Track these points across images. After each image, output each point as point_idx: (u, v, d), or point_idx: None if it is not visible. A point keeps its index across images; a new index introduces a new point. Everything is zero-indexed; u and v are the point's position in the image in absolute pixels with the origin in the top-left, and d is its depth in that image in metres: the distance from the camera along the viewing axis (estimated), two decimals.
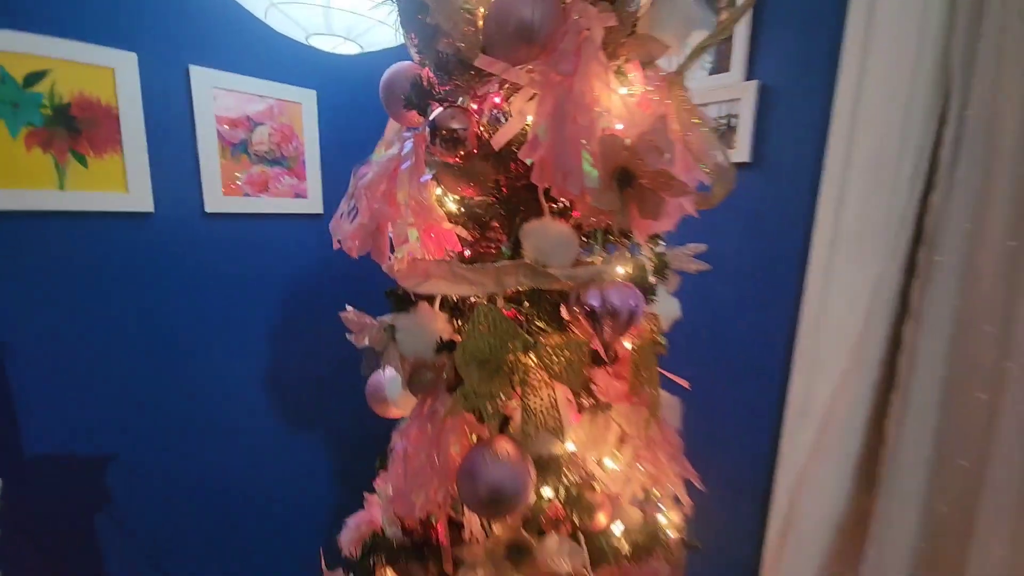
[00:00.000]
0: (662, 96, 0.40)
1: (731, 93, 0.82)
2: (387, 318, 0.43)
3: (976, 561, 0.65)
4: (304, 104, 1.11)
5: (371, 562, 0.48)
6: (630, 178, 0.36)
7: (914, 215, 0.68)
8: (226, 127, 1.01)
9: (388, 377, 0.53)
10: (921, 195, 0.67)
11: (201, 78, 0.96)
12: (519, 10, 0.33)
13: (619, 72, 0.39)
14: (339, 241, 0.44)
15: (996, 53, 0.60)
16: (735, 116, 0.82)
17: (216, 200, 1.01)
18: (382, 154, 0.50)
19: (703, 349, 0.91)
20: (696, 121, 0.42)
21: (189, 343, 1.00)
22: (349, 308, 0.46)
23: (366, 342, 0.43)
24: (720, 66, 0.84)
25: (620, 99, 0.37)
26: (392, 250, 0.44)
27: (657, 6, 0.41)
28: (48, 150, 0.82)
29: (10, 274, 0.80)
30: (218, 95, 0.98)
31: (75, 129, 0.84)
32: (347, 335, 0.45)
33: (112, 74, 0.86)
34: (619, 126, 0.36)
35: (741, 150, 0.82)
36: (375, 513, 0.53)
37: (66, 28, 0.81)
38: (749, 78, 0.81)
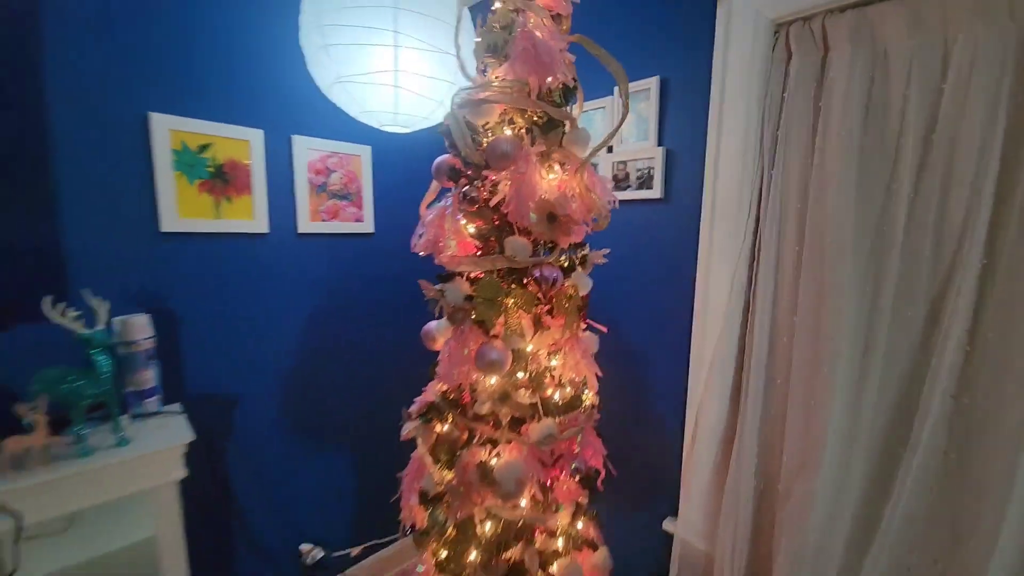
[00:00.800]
0: (571, 179, 0.83)
1: (649, 153, 1.26)
2: (439, 285, 0.87)
3: (789, 439, 1.04)
4: (362, 156, 1.57)
5: (429, 417, 0.91)
6: (555, 217, 0.80)
7: (753, 230, 1.10)
8: (313, 174, 1.47)
9: (435, 325, 0.96)
10: (755, 220, 1.10)
11: (299, 143, 1.42)
12: (502, 147, 0.78)
13: (551, 168, 0.83)
14: (415, 247, 0.88)
15: (784, 142, 1.03)
16: (652, 168, 1.26)
17: (305, 224, 1.46)
18: (431, 203, 0.95)
19: (639, 319, 1.33)
20: (594, 187, 0.86)
21: (290, 318, 1.45)
22: (421, 280, 0.89)
23: (431, 295, 0.87)
24: (644, 137, 1.28)
25: (548, 183, 0.80)
26: (440, 252, 0.87)
27: (570, 134, 0.85)
28: (210, 193, 1.29)
29: (189, 272, 1.26)
30: (310, 153, 1.45)
31: (226, 180, 1.30)
32: (423, 291, 0.88)
33: (248, 144, 1.33)
34: (547, 195, 0.80)
35: (656, 190, 1.25)
36: (428, 396, 0.96)
37: (224, 115, 1.28)
38: (659, 144, 1.24)
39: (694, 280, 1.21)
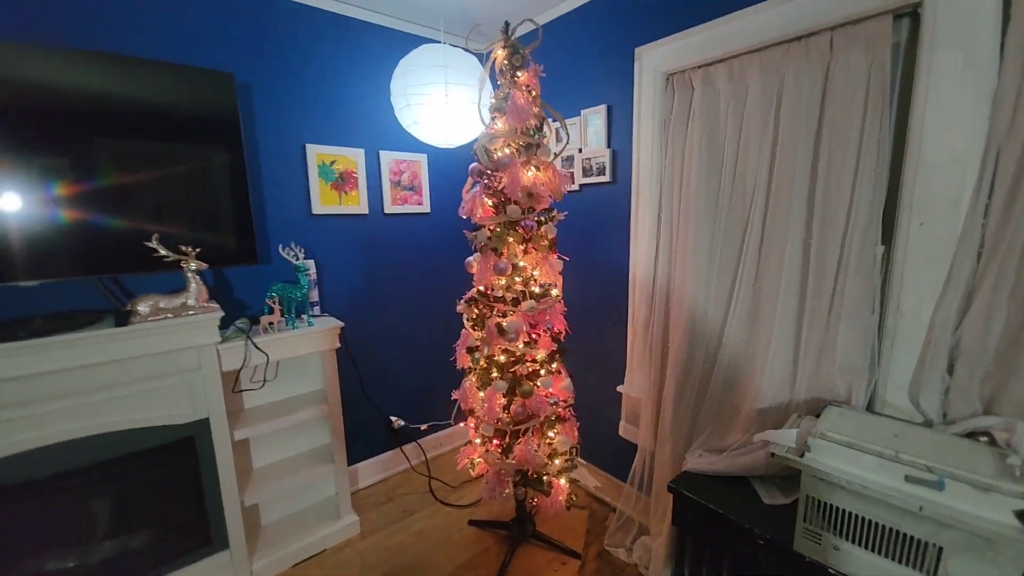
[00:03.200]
0: (544, 172, 1.60)
1: (603, 153, 1.99)
2: (474, 232, 1.66)
3: (673, 319, 1.77)
4: (421, 161, 2.39)
5: (470, 303, 1.71)
6: (531, 194, 1.57)
7: (658, 198, 1.82)
8: (392, 175, 2.30)
9: (471, 257, 1.76)
10: (659, 192, 1.81)
11: (384, 155, 2.25)
12: (503, 160, 1.55)
13: (529, 168, 1.59)
14: (460, 212, 1.67)
15: (671, 144, 1.74)
16: (605, 162, 1.99)
17: (388, 207, 2.30)
18: (469, 188, 1.74)
19: (601, 252, 2.09)
20: (554, 178, 1.62)
21: (382, 264, 2.30)
22: (466, 231, 1.68)
23: (470, 238, 1.66)
24: (600, 142, 2.01)
25: (528, 176, 1.57)
26: (474, 214, 1.67)
27: (540, 150, 1.61)
28: (336, 190, 2.14)
29: (327, 237, 2.12)
30: (389, 161, 2.28)
31: (344, 181, 2.15)
32: (465, 232, 1.68)
33: (356, 159, 2.17)
34: (527, 183, 1.57)
35: (607, 176, 1.99)
36: (469, 294, 1.76)
37: (342, 142, 2.12)
38: (608, 147, 1.98)
39: (629, 228, 1.94)
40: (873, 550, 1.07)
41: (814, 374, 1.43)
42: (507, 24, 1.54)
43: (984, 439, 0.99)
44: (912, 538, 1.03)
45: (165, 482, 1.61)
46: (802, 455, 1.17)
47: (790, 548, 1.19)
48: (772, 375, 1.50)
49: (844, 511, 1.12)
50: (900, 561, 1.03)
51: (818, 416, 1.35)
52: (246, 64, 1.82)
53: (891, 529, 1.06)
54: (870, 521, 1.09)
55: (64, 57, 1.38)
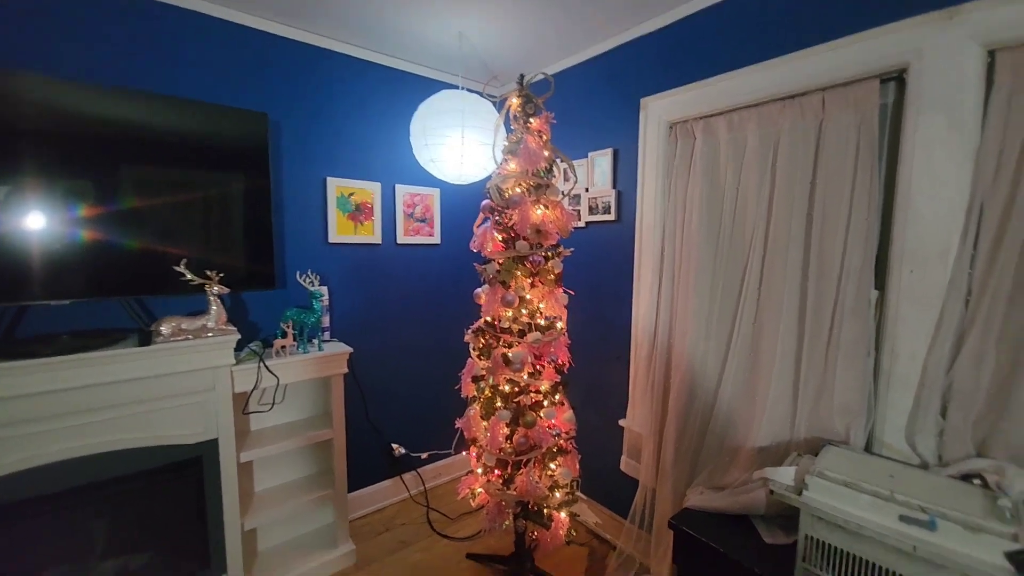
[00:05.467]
0: (552, 210, 1.69)
1: (609, 193, 2.09)
2: (484, 265, 1.73)
3: (674, 356, 1.81)
4: (434, 195, 2.50)
5: (476, 333, 1.76)
6: (539, 231, 1.65)
7: (661, 235, 1.90)
8: (405, 207, 2.40)
9: (480, 289, 1.82)
10: (662, 229, 1.89)
11: (399, 189, 2.36)
12: (514, 198, 1.64)
13: (538, 206, 1.68)
14: (472, 246, 1.75)
15: (673, 187, 1.83)
16: (611, 201, 2.09)
17: (401, 238, 2.39)
18: (480, 223, 1.83)
19: (606, 284, 2.15)
20: (561, 216, 1.70)
21: (393, 292, 2.37)
22: (476, 264, 1.76)
23: (480, 271, 1.73)
24: (606, 183, 2.11)
25: (536, 214, 1.66)
26: (484, 248, 1.75)
27: (548, 190, 1.70)
28: (352, 220, 2.23)
29: (341, 265, 2.20)
30: (404, 194, 2.39)
31: (360, 212, 2.25)
32: (475, 265, 1.75)
33: (373, 192, 2.27)
34: (536, 220, 1.65)
35: (613, 215, 2.08)
36: (476, 324, 1.81)
37: (361, 175, 2.24)
38: (614, 187, 2.08)
39: (633, 265, 2.01)
40: None
41: (813, 413, 1.46)
42: (522, 76, 1.67)
43: (977, 481, 1.02)
44: None
45: (169, 503, 1.63)
46: (800, 493, 1.19)
47: None
48: (772, 413, 1.53)
49: (842, 551, 1.13)
50: None
51: (817, 455, 1.37)
52: (278, 104, 1.96)
53: (887, 570, 1.06)
54: (867, 562, 1.09)
55: (123, 95, 1.51)
